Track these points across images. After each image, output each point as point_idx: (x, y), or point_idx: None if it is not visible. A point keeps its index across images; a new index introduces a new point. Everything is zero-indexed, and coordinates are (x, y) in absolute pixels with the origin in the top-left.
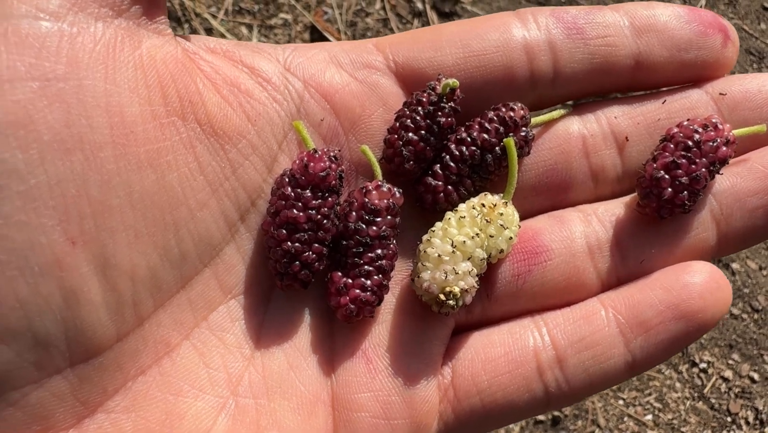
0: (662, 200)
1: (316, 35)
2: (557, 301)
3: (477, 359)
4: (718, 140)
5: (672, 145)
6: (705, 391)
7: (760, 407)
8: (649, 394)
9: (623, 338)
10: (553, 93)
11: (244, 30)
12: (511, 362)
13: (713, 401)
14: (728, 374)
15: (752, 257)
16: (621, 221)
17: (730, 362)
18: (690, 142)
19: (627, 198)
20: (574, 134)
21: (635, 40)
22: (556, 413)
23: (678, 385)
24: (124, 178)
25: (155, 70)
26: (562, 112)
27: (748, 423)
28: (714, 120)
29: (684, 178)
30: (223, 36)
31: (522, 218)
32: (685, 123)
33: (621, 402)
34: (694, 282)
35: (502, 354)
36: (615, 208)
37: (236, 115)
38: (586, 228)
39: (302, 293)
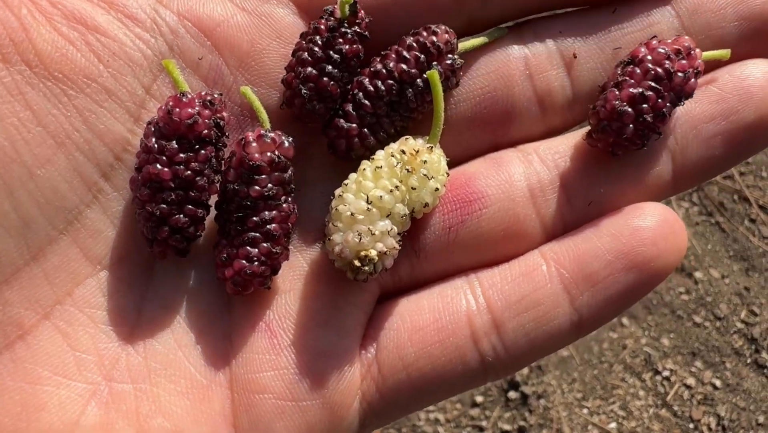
0: (621, 138)
1: None
2: (496, 254)
3: (403, 329)
4: (689, 71)
5: (639, 72)
6: (668, 398)
7: (722, 414)
8: (613, 402)
9: (568, 295)
10: (484, 12)
11: None
12: (442, 330)
13: (676, 408)
14: (691, 381)
15: (714, 266)
16: (566, 158)
17: (693, 369)
18: (660, 71)
19: (572, 133)
20: (515, 55)
21: None
22: (521, 423)
23: (641, 393)
24: None
25: None
26: (495, 35)
27: (710, 429)
28: (686, 44)
29: (649, 115)
30: None
31: (459, 158)
32: (654, 44)
33: (585, 411)
34: (646, 226)
35: (432, 321)
36: (559, 145)
37: (81, 55)
38: (526, 169)
39: (192, 259)
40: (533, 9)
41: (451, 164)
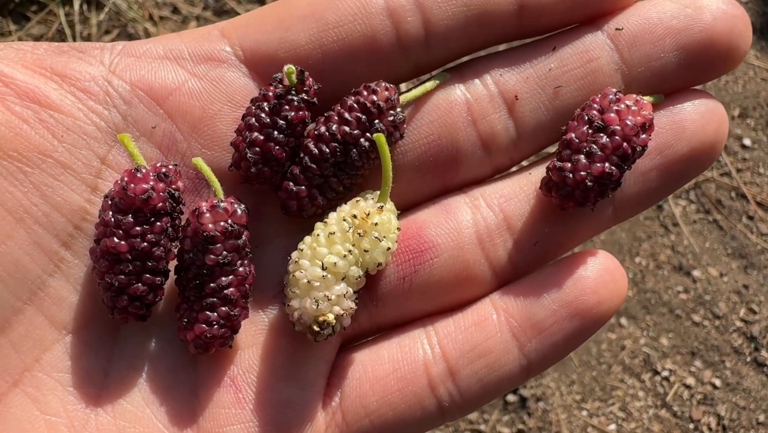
0: (582, 206)
1: None
2: (450, 299)
3: (365, 378)
4: (647, 144)
5: (610, 146)
6: (667, 399)
7: (722, 413)
8: (612, 404)
9: (517, 342)
10: (429, 57)
11: None
12: (401, 380)
13: (676, 408)
14: (690, 381)
15: (713, 264)
16: (511, 201)
17: (692, 369)
18: (629, 149)
19: (517, 176)
20: (457, 101)
21: None
22: (520, 426)
23: (641, 394)
24: None
25: None
26: (437, 81)
27: (710, 429)
28: (650, 116)
29: (611, 189)
30: None
31: (408, 203)
32: (623, 111)
33: (584, 413)
34: (587, 276)
35: (391, 371)
36: (504, 188)
37: (35, 132)
38: (474, 215)
39: (156, 319)
40: (474, 48)
41: (403, 210)
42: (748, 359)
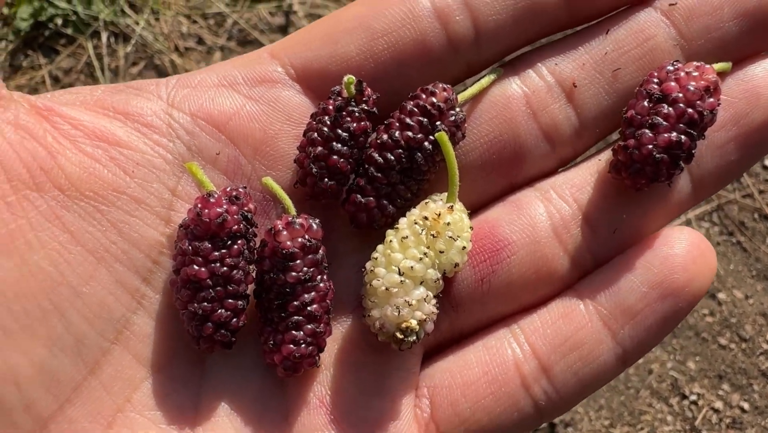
0: (654, 180)
1: None
2: (531, 296)
3: (455, 385)
4: (717, 108)
5: (673, 114)
6: (696, 423)
7: None
8: (641, 429)
9: (609, 330)
10: (481, 55)
11: None
12: (493, 382)
13: (705, 432)
14: (719, 405)
15: (738, 286)
16: (584, 190)
17: (720, 392)
18: (695, 115)
19: (585, 164)
20: (515, 96)
21: None
22: None
23: (669, 418)
24: None
25: None
26: (492, 77)
27: None
28: (713, 78)
29: (683, 159)
30: None
31: (477, 204)
32: (683, 77)
33: None
34: (675, 253)
35: (482, 375)
36: (575, 178)
37: (107, 170)
38: (547, 208)
39: (238, 346)
40: (526, 42)
41: (472, 212)
42: None
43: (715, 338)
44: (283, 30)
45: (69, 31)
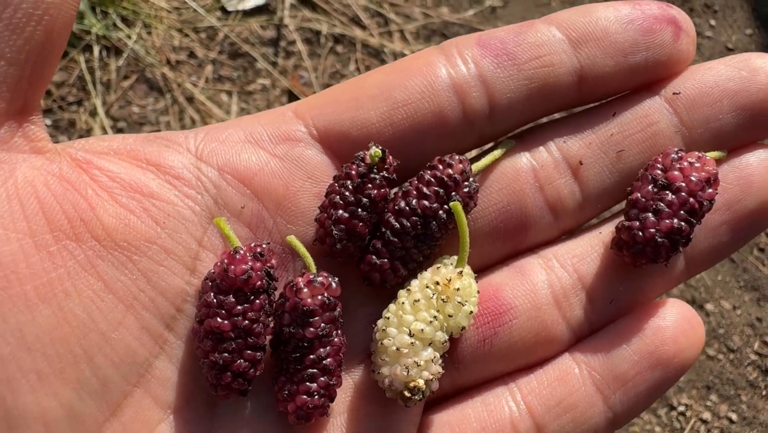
0: (654, 262)
1: (294, 99)
2: (529, 359)
3: None
4: (715, 198)
5: (676, 202)
6: None
7: None
8: None
9: (601, 395)
10: (494, 129)
11: (224, 96)
12: None
13: None
14: (707, 415)
15: (726, 297)
16: (585, 261)
17: (708, 403)
18: (695, 204)
19: (587, 235)
20: (524, 169)
21: (574, 54)
22: None
23: (657, 429)
24: (12, 323)
25: (35, 195)
26: (504, 149)
27: None
28: (713, 170)
29: (682, 244)
30: (203, 104)
31: (482, 267)
32: (686, 167)
33: None
34: (666, 325)
35: (479, 430)
36: (576, 248)
37: (141, 221)
38: (549, 276)
39: (252, 392)
40: (536, 117)
41: (477, 274)
42: (764, 392)
43: (703, 349)
44: (275, 43)
45: None
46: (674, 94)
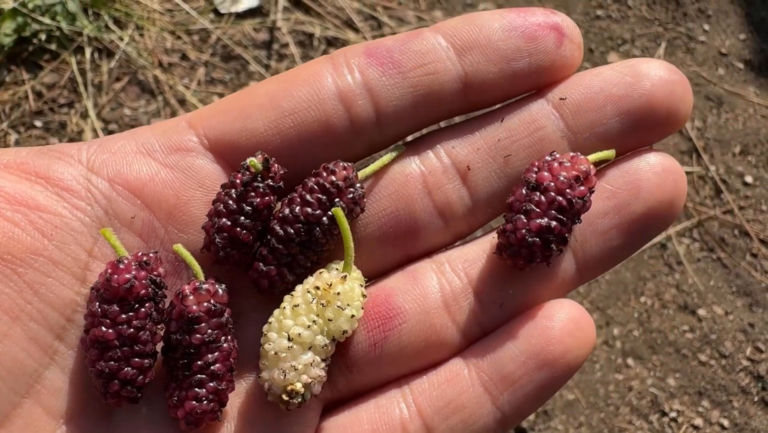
0: (529, 261)
1: None
2: (421, 362)
3: None
4: (587, 195)
5: (545, 201)
6: None
7: None
8: None
9: (489, 395)
10: (382, 136)
11: (216, 99)
12: None
13: None
14: (698, 421)
15: (718, 303)
16: (475, 265)
17: (700, 409)
18: (563, 202)
19: (480, 240)
20: (412, 174)
21: (459, 61)
22: None
23: None
24: None
25: None
26: (393, 155)
27: None
28: (584, 168)
29: (554, 242)
30: (195, 106)
31: (375, 273)
32: (556, 168)
33: None
34: (552, 326)
35: (370, 432)
36: (468, 253)
37: (26, 234)
38: (440, 280)
39: (145, 398)
40: (425, 124)
41: (372, 279)
42: (756, 398)
43: (695, 355)
44: (267, 46)
45: (53, 46)
46: (561, 99)
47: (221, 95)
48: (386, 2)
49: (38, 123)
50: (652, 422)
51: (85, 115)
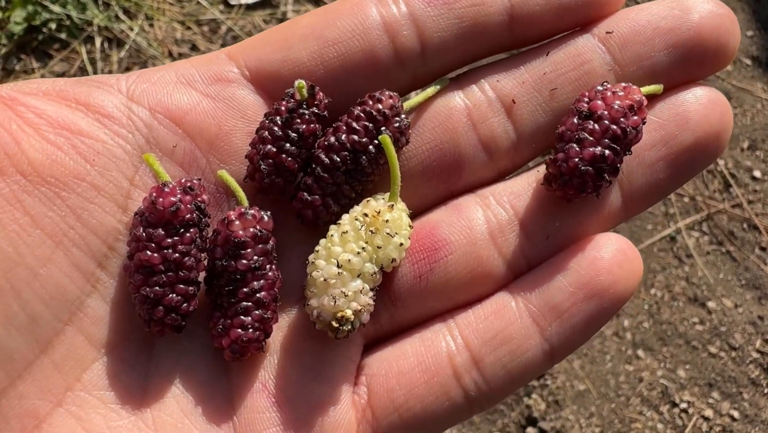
0: (580, 191)
1: None
2: (466, 295)
3: (391, 374)
4: (640, 126)
5: (598, 130)
6: (686, 431)
7: None
8: None
9: (537, 327)
10: (426, 68)
11: None
12: (426, 372)
13: None
14: (709, 413)
15: (727, 295)
16: (521, 198)
17: (710, 400)
18: (618, 131)
19: (525, 174)
20: (457, 107)
21: None
22: None
23: (660, 426)
24: None
25: None
26: (437, 88)
27: None
28: (638, 98)
29: (608, 172)
30: None
31: (418, 208)
32: (609, 97)
33: None
34: (601, 257)
35: (416, 364)
36: (514, 186)
37: (69, 158)
38: (485, 212)
39: (187, 331)
40: (470, 59)
41: (414, 215)
42: (766, 390)
43: (705, 347)
44: None
45: (63, 35)
46: (607, 33)
47: None
48: None
49: None
50: (662, 413)
51: None
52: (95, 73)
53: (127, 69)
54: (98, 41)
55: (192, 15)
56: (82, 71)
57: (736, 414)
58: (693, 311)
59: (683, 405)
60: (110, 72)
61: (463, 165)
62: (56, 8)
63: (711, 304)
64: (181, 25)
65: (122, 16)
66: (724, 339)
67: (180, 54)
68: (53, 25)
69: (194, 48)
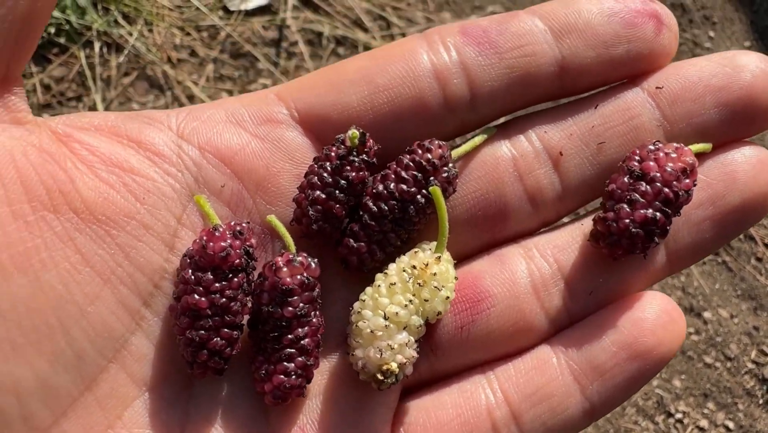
0: (631, 253)
1: None
2: (507, 348)
3: (429, 424)
4: (692, 188)
5: (650, 192)
6: None
7: None
8: None
9: (579, 385)
10: (475, 116)
11: (225, 96)
12: (465, 425)
13: None
14: (704, 423)
15: (723, 306)
16: (565, 252)
17: (705, 411)
18: (670, 194)
19: (569, 226)
20: (503, 157)
21: (556, 44)
22: None
23: None
24: None
25: (13, 164)
26: (484, 137)
27: None
28: (690, 161)
29: (658, 234)
30: (204, 102)
31: (460, 256)
32: (662, 158)
33: None
34: (646, 318)
35: (455, 416)
36: (557, 239)
37: (120, 196)
38: (528, 265)
39: (229, 372)
40: (518, 107)
41: (456, 263)
42: (761, 401)
43: (700, 357)
44: (276, 44)
45: (62, 40)
46: (657, 88)
47: (230, 92)
48: (395, 3)
49: (46, 116)
50: (657, 423)
51: (93, 109)
52: (94, 79)
53: (126, 74)
54: (97, 46)
55: (191, 21)
56: (81, 75)
57: (731, 425)
58: (689, 321)
59: (678, 415)
60: (109, 77)
61: (507, 215)
62: (55, 13)
63: (707, 314)
64: (180, 31)
65: (121, 21)
66: (720, 349)
67: (179, 60)
68: (52, 30)
69: (193, 53)
